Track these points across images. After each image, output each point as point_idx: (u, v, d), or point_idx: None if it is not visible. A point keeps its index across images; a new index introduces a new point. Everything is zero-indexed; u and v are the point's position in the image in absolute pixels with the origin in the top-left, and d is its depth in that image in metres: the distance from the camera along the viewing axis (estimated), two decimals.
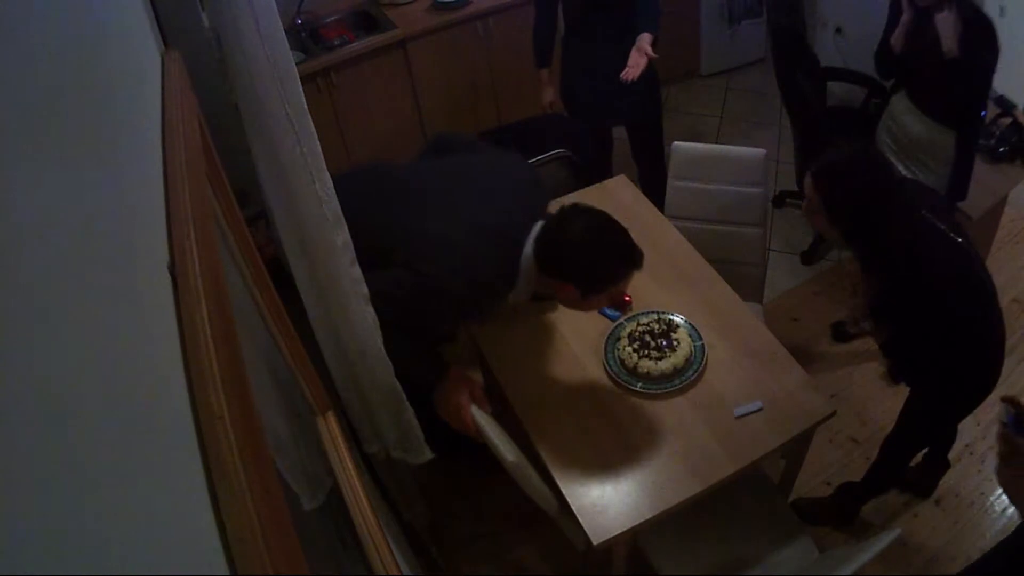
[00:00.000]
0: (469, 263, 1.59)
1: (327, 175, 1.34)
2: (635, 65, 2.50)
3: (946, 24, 1.93)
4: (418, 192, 1.74)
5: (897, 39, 2.10)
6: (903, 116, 2.26)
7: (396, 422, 1.70)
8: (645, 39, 2.54)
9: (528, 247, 1.65)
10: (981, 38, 1.94)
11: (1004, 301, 2.97)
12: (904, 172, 2.32)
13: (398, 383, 1.62)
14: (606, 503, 1.64)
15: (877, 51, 2.26)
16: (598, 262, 1.60)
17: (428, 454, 1.78)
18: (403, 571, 1.28)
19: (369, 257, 1.55)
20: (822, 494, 2.43)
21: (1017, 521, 2.26)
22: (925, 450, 2.34)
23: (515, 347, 1.98)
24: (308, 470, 1.34)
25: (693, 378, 1.84)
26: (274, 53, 1.19)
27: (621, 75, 2.49)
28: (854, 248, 1.73)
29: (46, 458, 0.38)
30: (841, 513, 2.29)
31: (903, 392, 2.72)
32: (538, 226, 1.68)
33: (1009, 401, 1.39)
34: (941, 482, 2.44)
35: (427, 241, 1.60)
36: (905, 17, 2.06)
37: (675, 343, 1.87)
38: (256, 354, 1.24)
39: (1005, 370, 2.74)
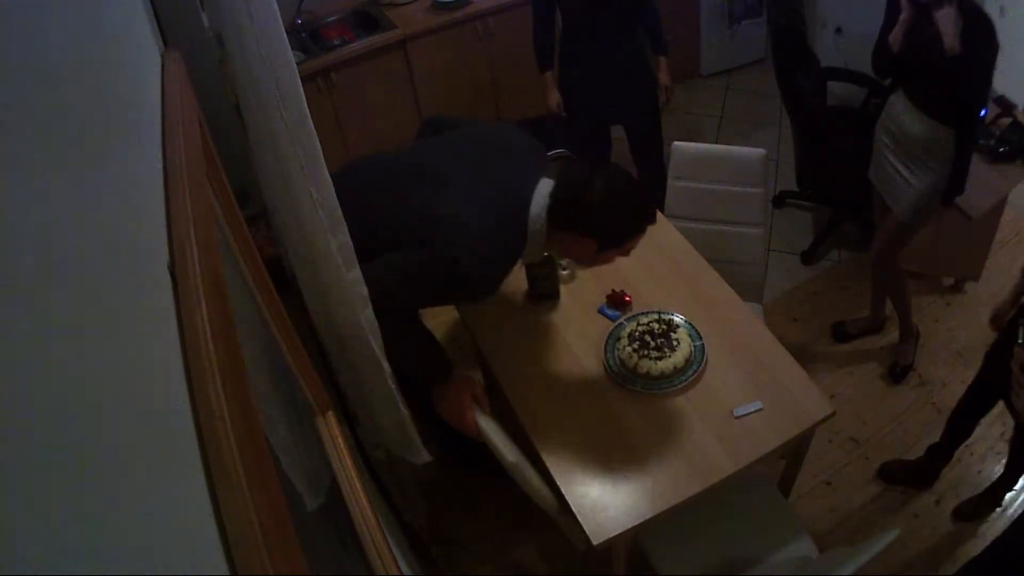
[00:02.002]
0: (484, 238, 1.60)
1: (327, 177, 1.34)
2: (666, 99, 2.93)
3: (947, 20, 1.92)
4: (422, 173, 1.73)
5: (895, 38, 2.10)
6: (901, 115, 2.26)
7: (395, 423, 1.70)
8: (663, 71, 2.88)
9: (536, 207, 1.65)
10: (982, 34, 1.94)
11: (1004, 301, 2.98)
12: (903, 171, 2.32)
13: (395, 385, 1.62)
14: (606, 503, 1.64)
15: (875, 51, 2.26)
16: (620, 217, 1.62)
17: (426, 456, 1.78)
18: (403, 571, 1.28)
19: (378, 244, 1.57)
20: (822, 494, 2.44)
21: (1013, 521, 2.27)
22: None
23: (515, 347, 1.98)
24: (308, 469, 1.34)
25: (693, 378, 1.84)
26: (274, 53, 1.19)
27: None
28: None
29: (46, 458, 0.38)
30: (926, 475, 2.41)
31: (903, 392, 2.73)
32: (544, 184, 1.67)
33: None
34: (941, 482, 2.44)
35: (441, 221, 1.60)
36: (904, 15, 2.05)
37: (675, 343, 1.87)
38: (256, 354, 1.24)
39: None
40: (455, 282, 1.60)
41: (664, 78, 2.89)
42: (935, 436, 2.59)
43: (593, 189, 1.61)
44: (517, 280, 2.13)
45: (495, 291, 1.71)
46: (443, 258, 1.56)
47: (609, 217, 1.62)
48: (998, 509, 2.35)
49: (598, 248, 1.65)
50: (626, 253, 1.71)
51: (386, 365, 1.58)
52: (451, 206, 1.61)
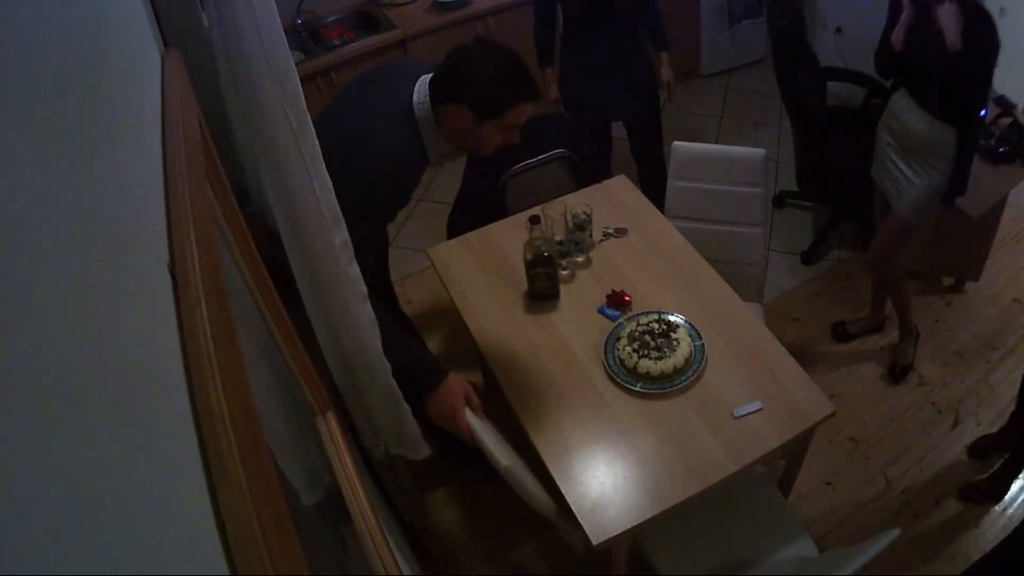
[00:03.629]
0: (381, 143, 1.63)
1: (326, 175, 1.34)
2: (669, 93, 2.95)
3: (948, 18, 1.93)
4: (337, 112, 1.78)
5: (897, 37, 2.10)
6: (904, 114, 2.26)
7: (394, 420, 1.70)
8: (665, 66, 2.89)
9: (418, 94, 1.67)
10: (983, 31, 1.94)
11: (1004, 301, 2.98)
12: (905, 170, 2.32)
13: (395, 382, 1.62)
14: (606, 503, 1.64)
15: (877, 51, 2.26)
16: (494, 78, 1.61)
17: (426, 451, 1.77)
18: (403, 571, 1.28)
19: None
20: (822, 494, 2.44)
21: (1017, 522, 2.27)
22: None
23: (515, 347, 1.98)
24: (308, 468, 1.34)
25: (693, 378, 1.84)
26: (274, 53, 1.19)
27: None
28: None
29: (46, 458, 0.38)
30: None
31: (903, 392, 2.74)
32: (427, 76, 1.69)
33: None
34: (941, 482, 2.44)
35: (350, 140, 1.63)
36: (905, 14, 2.06)
37: (675, 343, 1.87)
38: (256, 354, 1.24)
39: (1006, 369, 2.76)
40: (377, 191, 1.63)
41: (666, 74, 2.90)
42: (935, 436, 2.59)
43: (468, 52, 1.62)
44: (517, 280, 2.13)
45: (415, 178, 1.73)
46: (359, 180, 1.57)
47: (482, 79, 1.60)
48: (998, 505, 2.35)
49: (474, 119, 1.63)
50: (510, 135, 1.70)
51: (387, 362, 1.58)
52: (354, 124, 1.66)
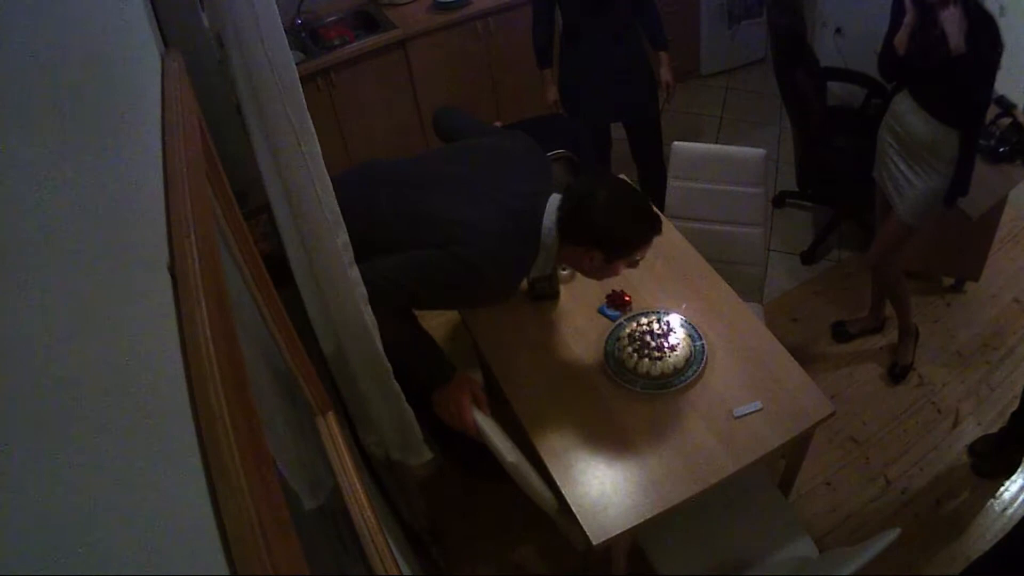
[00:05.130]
0: (501, 244, 1.65)
1: (327, 176, 1.34)
2: (669, 93, 2.95)
3: (952, 21, 1.93)
4: (440, 178, 1.79)
5: (901, 40, 2.10)
6: (907, 116, 2.26)
7: (395, 422, 1.70)
8: (665, 66, 2.89)
9: (547, 219, 1.69)
10: (986, 35, 1.94)
11: (1004, 301, 2.98)
12: (906, 171, 2.32)
13: (396, 383, 1.62)
14: (606, 503, 1.64)
15: (880, 54, 2.26)
16: (625, 225, 1.66)
17: (428, 454, 1.78)
18: (403, 571, 1.28)
19: (385, 245, 1.62)
20: (822, 494, 2.44)
21: (1017, 522, 2.27)
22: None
23: (515, 347, 1.98)
24: (308, 469, 1.34)
25: (693, 378, 1.84)
26: (274, 53, 1.19)
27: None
28: None
29: (46, 458, 0.38)
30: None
31: (903, 392, 2.73)
32: (555, 198, 1.72)
33: None
34: (941, 483, 2.44)
35: (461, 225, 1.65)
36: (909, 18, 2.06)
37: (675, 343, 1.87)
38: (256, 354, 1.24)
39: (1006, 369, 2.76)
40: (471, 284, 1.65)
41: (666, 74, 2.89)
42: (935, 436, 2.59)
43: (597, 200, 1.65)
44: None
45: (508, 297, 1.76)
46: (463, 260, 1.61)
47: (613, 227, 1.65)
48: (998, 505, 2.35)
49: (605, 259, 1.68)
50: (634, 265, 1.75)
51: (387, 364, 1.58)
52: (470, 211, 1.66)
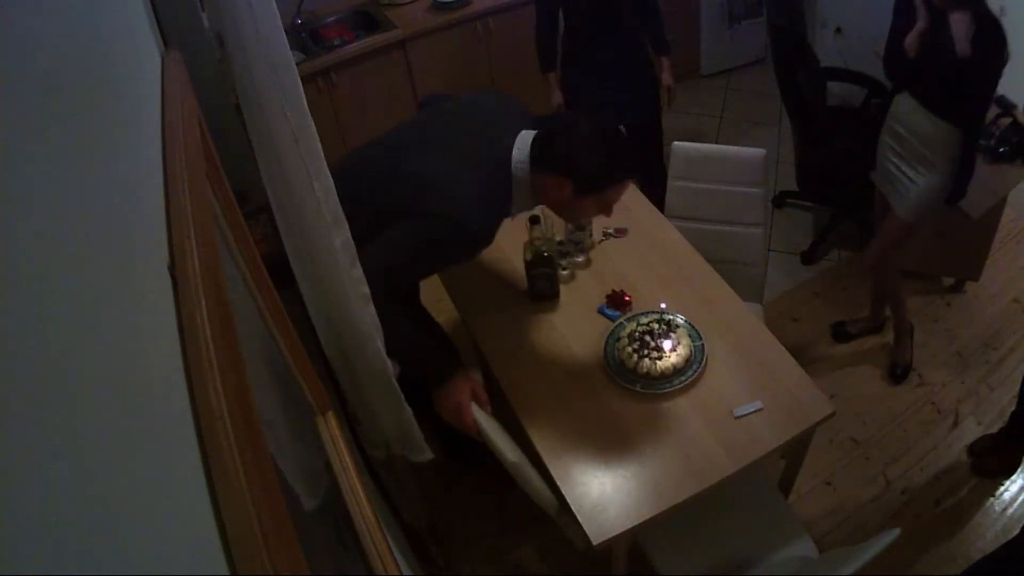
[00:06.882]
0: (473, 191, 1.63)
1: (327, 175, 1.34)
2: (670, 98, 2.96)
3: (961, 24, 1.93)
4: (408, 143, 1.79)
5: (911, 44, 2.11)
6: (909, 115, 2.26)
7: (396, 421, 1.70)
8: (666, 71, 2.90)
9: (518, 151, 1.67)
10: (993, 40, 1.95)
11: (1004, 301, 2.98)
12: (907, 171, 2.32)
13: (396, 383, 1.62)
14: (606, 503, 1.64)
15: (886, 56, 2.26)
16: (600, 159, 1.63)
17: (428, 453, 1.78)
18: (403, 571, 1.28)
19: (375, 224, 1.61)
20: (822, 494, 2.44)
21: (1017, 523, 2.27)
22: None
23: (515, 347, 1.98)
24: (308, 469, 1.34)
25: (693, 378, 1.84)
26: (274, 53, 1.19)
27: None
28: None
29: (45, 458, 0.38)
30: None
31: (903, 392, 2.73)
32: (528, 133, 1.70)
33: None
34: (941, 483, 2.44)
35: (431, 182, 1.64)
36: (921, 24, 2.06)
37: (675, 343, 1.87)
38: (256, 354, 1.24)
39: (1006, 369, 2.76)
40: (453, 240, 1.64)
41: (667, 79, 2.91)
42: (935, 436, 2.59)
43: (580, 130, 1.63)
44: (517, 280, 2.13)
45: (489, 242, 1.73)
46: (438, 216, 1.59)
47: (588, 156, 1.62)
48: (998, 505, 2.35)
49: (574, 190, 1.64)
50: (606, 209, 1.71)
51: (389, 364, 1.58)
52: (438, 166, 1.65)
